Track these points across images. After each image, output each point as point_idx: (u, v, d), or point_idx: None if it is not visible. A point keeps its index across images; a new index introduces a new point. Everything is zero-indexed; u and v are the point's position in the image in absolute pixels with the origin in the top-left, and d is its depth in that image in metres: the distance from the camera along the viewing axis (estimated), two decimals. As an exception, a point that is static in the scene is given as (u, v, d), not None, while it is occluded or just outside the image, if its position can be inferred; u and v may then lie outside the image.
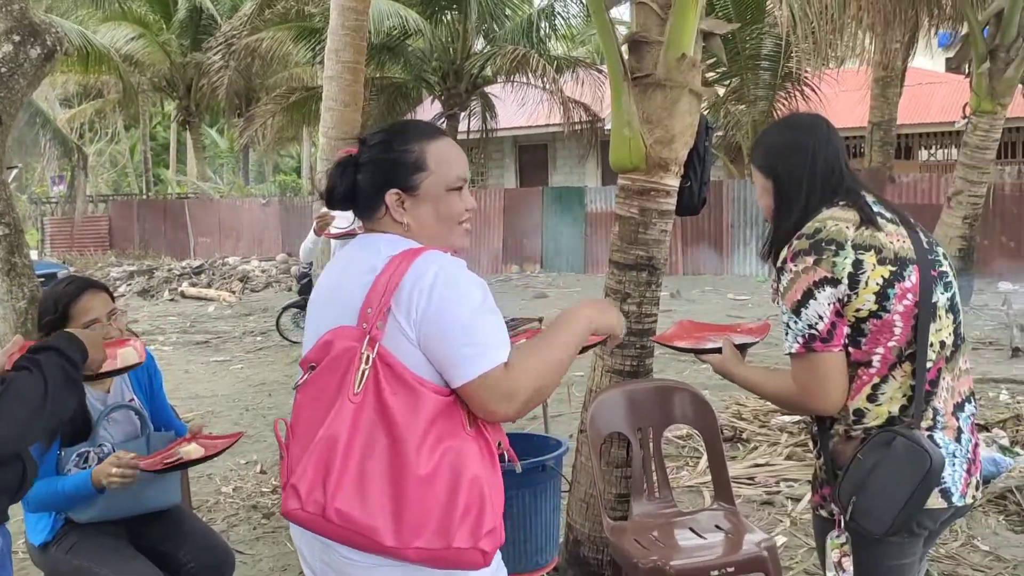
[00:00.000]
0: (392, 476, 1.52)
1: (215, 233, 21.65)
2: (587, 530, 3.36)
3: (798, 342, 1.90)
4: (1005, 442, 4.94)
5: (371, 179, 1.71)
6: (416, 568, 1.58)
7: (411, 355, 1.58)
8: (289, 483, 1.52)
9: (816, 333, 1.87)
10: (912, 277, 1.87)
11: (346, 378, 1.55)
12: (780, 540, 3.91)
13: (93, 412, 2.64)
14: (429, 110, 20.25)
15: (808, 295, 1.87)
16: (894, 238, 1.91)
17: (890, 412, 1.89)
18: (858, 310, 1.86)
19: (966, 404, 1.97)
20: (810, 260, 1.87)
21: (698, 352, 2.27)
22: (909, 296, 1.86)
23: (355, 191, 1.73)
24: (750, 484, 4.67)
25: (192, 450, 2.54)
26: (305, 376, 1.59)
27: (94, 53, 19.22)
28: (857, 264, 1.85)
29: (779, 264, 1.95)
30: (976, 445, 1.98)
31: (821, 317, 1.86)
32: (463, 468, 1.55)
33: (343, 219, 5.07)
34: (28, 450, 1.96)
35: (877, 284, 1.85)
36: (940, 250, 1.99)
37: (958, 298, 1.97)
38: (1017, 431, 5.19)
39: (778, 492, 4.54)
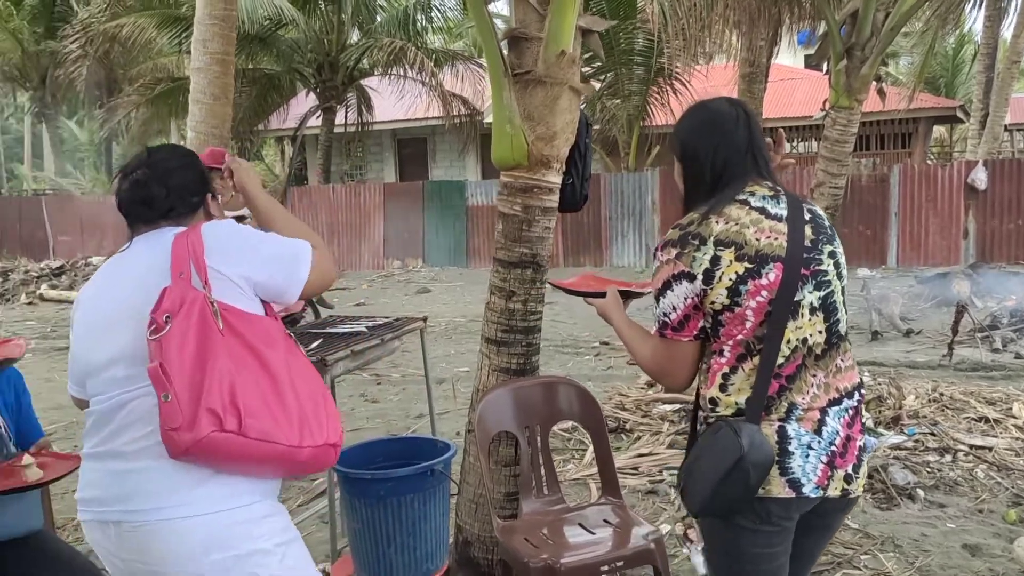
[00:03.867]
0: (274, 390, 1.79)
1: (77, 232, 20.43)
2: (477, 531, 3.32)
3: (655, 325, 2.04)
4: (869, 423, 5.19)
5: (191, 187, 2.04)
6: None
7: (241, 299, 1.87)
8: (203, 408, 1.68)
9: (668, 321, 1.99)
10: (771, 275, 1.89)
11: (207, 319, 1.77)
12: (665, 528, 3.99)
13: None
14: (304, 103, 19.77)
15: (667, 286, 1.96)
16: (764, 235, 1.91)
17: (737, 403, 1.94)
18: (713, 303, 1.92)
19: (844, 399, 1.99)
20: (673, 253, 1.94)
21: (586, 295, 2.50)
22: (764, 293, 1.89)
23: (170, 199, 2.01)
24: (634, 474, 4.75)
25: (31, 473, 2.41)
26: (167, 327, 1.74)
27: (-66, 40, 17.91)
28: (715, 260, 1.90)
29: (654, 250, 2.04)
30: (848, 439, 1.98)
31: (675, 308, 1.96)
32: (314, 376, 1.92)
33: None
34: None
35: (730, 280, 1.89)
36: (829, 249, 1.99)
37: (837, 297, 1.99)
38: (880, 412, 5.45)
39: (661, 480, 4.63)
